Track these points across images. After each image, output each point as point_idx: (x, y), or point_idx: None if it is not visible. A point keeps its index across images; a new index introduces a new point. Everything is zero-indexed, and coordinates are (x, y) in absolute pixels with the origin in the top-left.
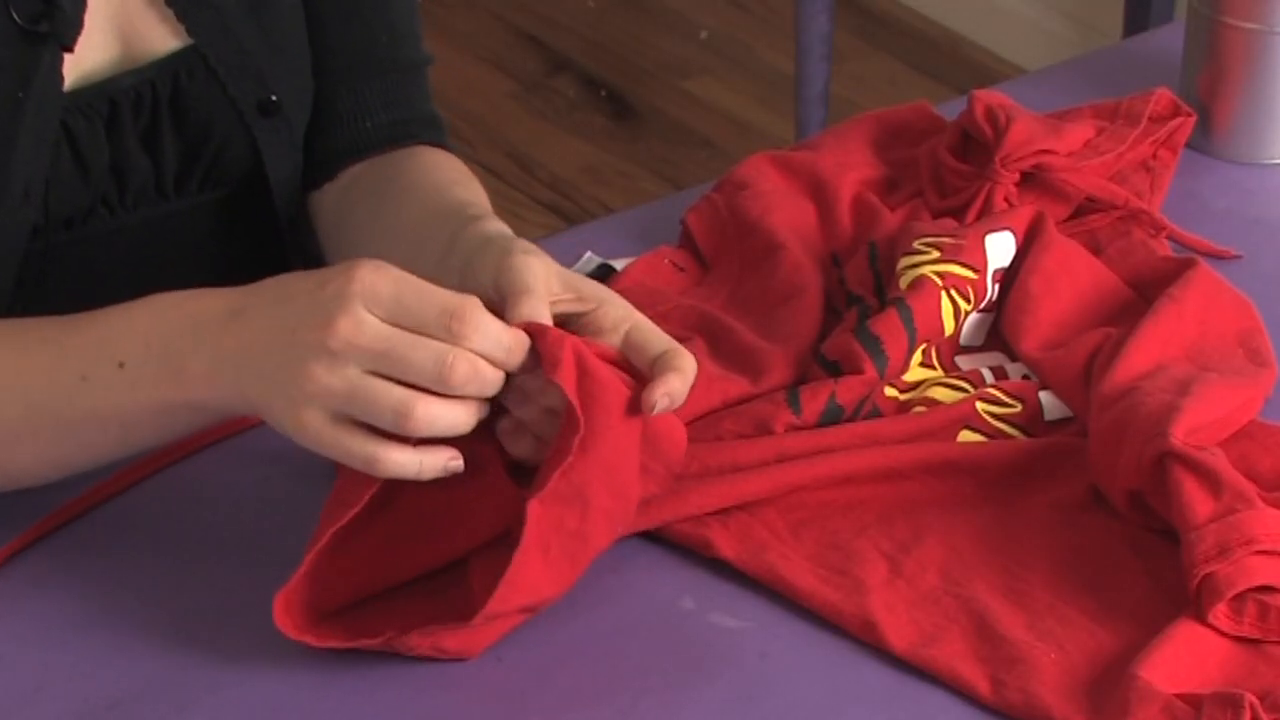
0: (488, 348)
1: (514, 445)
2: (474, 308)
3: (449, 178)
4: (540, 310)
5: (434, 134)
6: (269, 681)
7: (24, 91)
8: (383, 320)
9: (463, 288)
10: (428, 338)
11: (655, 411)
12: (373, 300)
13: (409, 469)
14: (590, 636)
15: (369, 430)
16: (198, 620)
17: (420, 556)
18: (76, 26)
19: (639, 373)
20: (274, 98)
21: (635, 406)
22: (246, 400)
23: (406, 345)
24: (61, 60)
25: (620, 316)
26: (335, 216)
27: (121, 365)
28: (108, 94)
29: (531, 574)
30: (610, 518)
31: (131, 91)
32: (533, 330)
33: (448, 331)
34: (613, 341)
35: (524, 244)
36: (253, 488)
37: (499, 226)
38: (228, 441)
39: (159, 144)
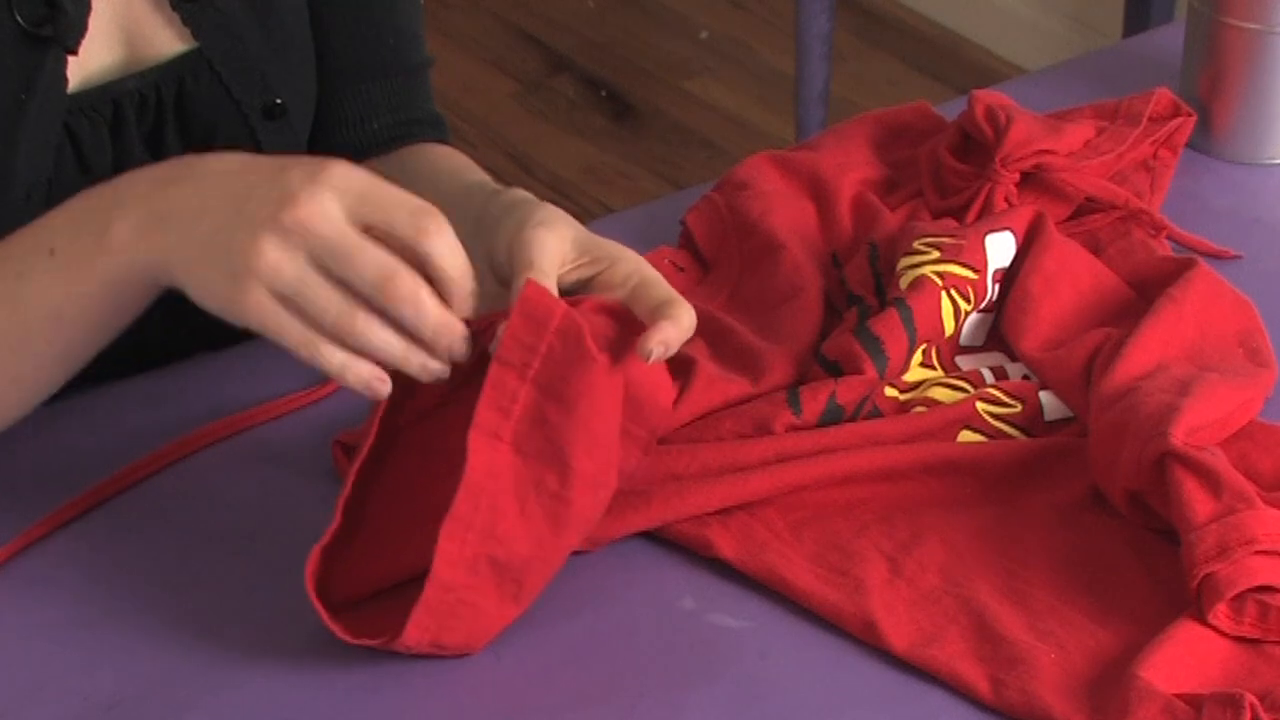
0: (446, 254)
1: None
2: (444, 217)
3: (462, 164)
4: (545, 284)
5: (438, 132)
6: (269, 681)
7: (27, 94)
8: (345, 216)
9: (488, 259)
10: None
11: (651, 360)
12: (342, 191)
13: (334, 365)
14: (590, 636)
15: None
16: (198, 620)
17: (422, 552)
18: (80, 29)
19: (640, 325)
20: (279, 101)
21: (619, 361)
22: (175, 262)
23: (358, 245)
24: (65, 63)
25: (629, 272)
26: None
27: (52, 252)
28: (111, 96)
29: (507, 523)
30: (594, 484)
31: (136, 94)
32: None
33: (415, 228)
34: (620, 296)
35: (541, 214)
36: (253, 488)
37: (520, 194)
38: (228, 441)
39: (163, 147)
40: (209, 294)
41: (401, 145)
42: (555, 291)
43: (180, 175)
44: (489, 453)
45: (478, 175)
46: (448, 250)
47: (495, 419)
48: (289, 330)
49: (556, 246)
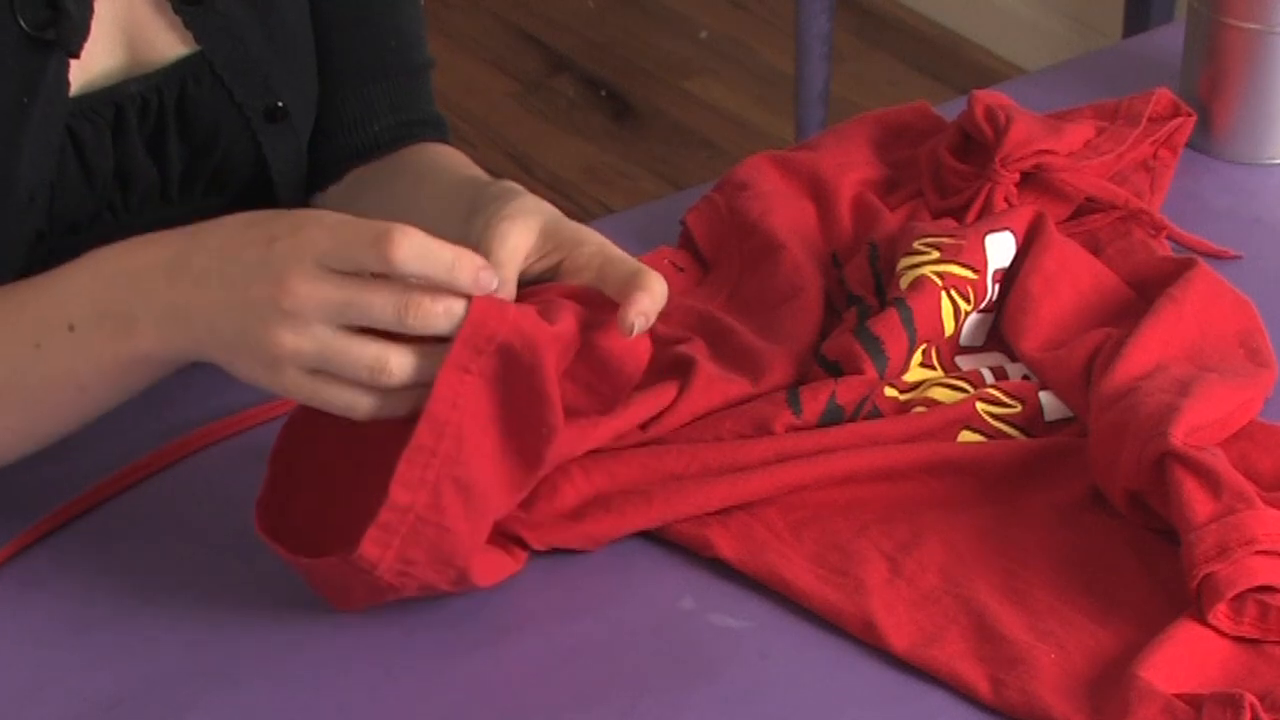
0: (424, 268)
1: None
2: (400, 231)
3: (460, 162)
4: (501, 278)
5: (439, 133)
6: (269, 681)
7: (29, 98)
8: (334, 271)
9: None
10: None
11: (634, 332)
12: (319, 254)
13: (388, 409)
14: (590, 636)
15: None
16: (198, 620)
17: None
18: (83, 33)
19: (610, 303)
20: (280, 104)
21: (586, 335)
22: (204, 353)
23: (364, 292)
24: (68, 67)
25: (592, 253)
26: (341, 206)
27: (71, 328)
28: (114, 100)
29: (469, 447)
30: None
31: (138, 98)
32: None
33: (379, 258)
34: (586, 279)
35: (512, 206)
36: (253, 488)
37: (506, 186)
38: (228, 441)
39: (165, 150)
40: (250, 380)
41: (402, 146)
42: (511, 284)
43: (184, 256)
44: (454, 385)
45: (474, 171)
46: (414, 257)
47: (468, 356)
48: (333, 400)
49: (519, 240)
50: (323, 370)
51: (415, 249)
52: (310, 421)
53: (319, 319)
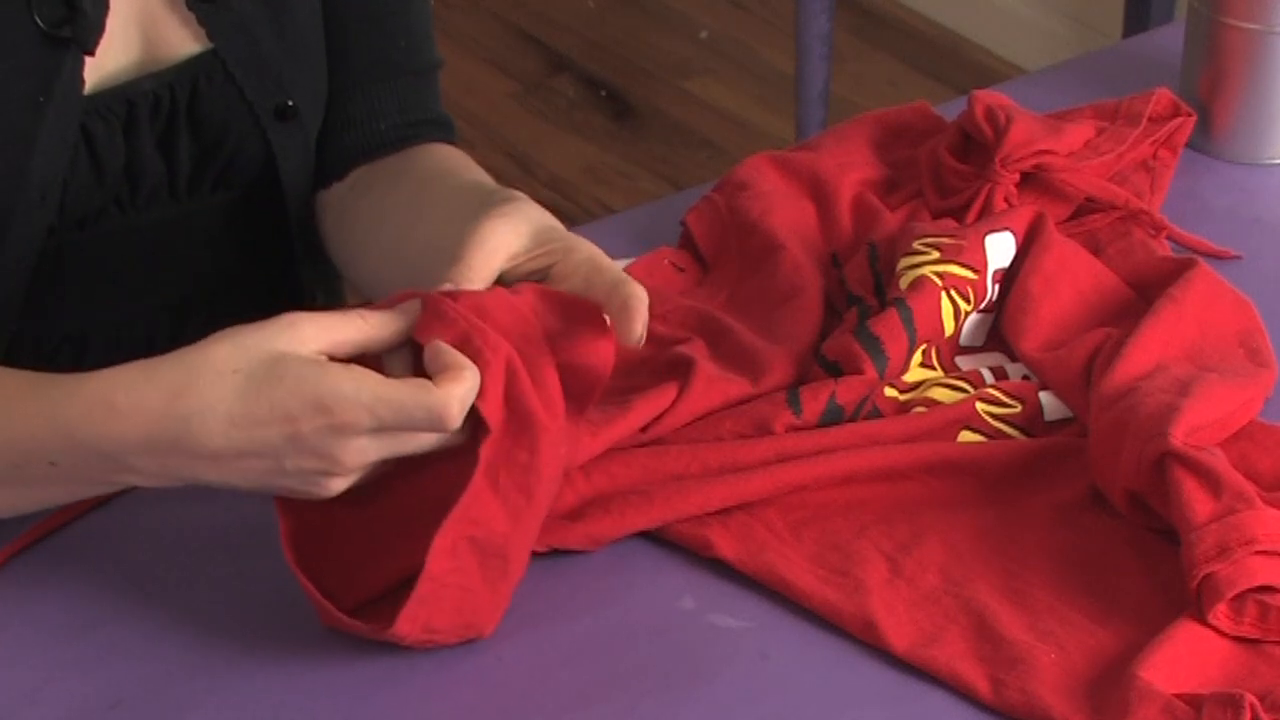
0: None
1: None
2: (451, 401)
3: (463, 165)
4: (468, 277)
5: (445, 133)
6: (269, 681)
7: (45, 95)
8: (372, 430)
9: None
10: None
11: (642, 341)
12: (362, 430)
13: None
14: (590, 636)
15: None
16: (198, 620)
17: (409, 549)
18: (98, 30)
19: (590, 311)
20: (291, 103)
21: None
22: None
23: (412, 441)
24: (83, 64)
25: (580, 260)
26: (340, 213)
27: (53, 464)
28: (126, 97)
29: (480, 504)
30: (556, 445)
31: (150, 95)
32: (426, 301)
33: (444, 432)
34: (574, 285)
35: (505, 206)
36: None
37: (508, 193)
38: None
39: (174, 147)
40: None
41: (408, 146)
42: (483, 280)
43: (179, 442)
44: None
45: (477, 175)
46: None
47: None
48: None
49: (500, 240)
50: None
51: (467, 403)
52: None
53: (374, 460)
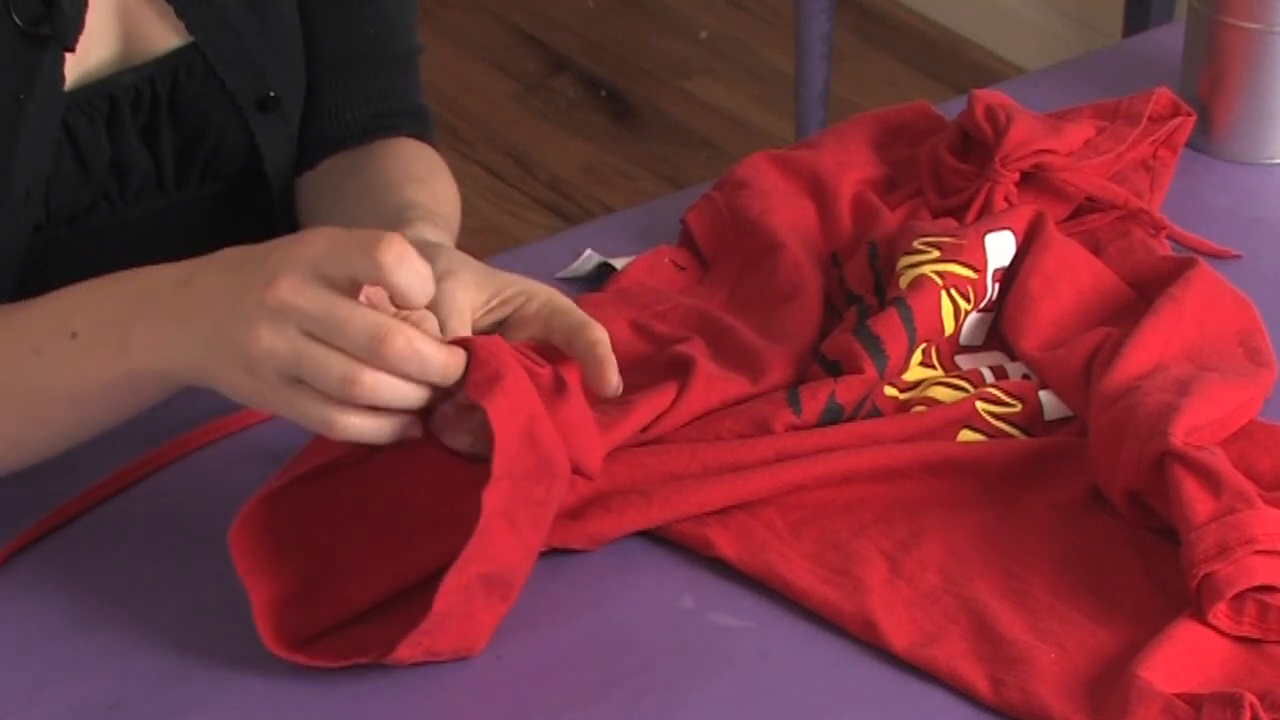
0: (414, 286)
1: (452, 439)
2: (391, 237)
3: (406, 174)
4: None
5: (416, 125)
6: (269, 681)
7: (25, 94)
8: (324, 280)
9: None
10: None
11: (619, 391)
12: (311, 258)
13: (367, 432)
14: (590, 636)
15: (325, 395)
16: (198, 620)
17: (401, 568)
18: (77, 27)
19: (559, 354)
20: (272, 93)
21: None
22: (196, 367)
23: (343, 313)
24: (63, 61)
25: (541, 304)
26: (312, 204)
27: (74, 336)
28: (108, 92)
29: (498, 546)
30: (565, 481)
31: (131, 89)
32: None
33: (374, 265)
34: (534, 331)
35: (445, 262)
36: (253, 488)
37: (421, 232)
38: (228, 441)
39: (158, 140)
40: (231, 391)
41: (377, 137)
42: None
43: (191, 274)
44: (501, 495)
45: (413, 191)
46: (413, 281)
47: (505, 464)
48: (307, 410)
49: (465, 296)
50: (299, 380)
51: (411, 267)
52: (282, 508)
53: (297, 323)
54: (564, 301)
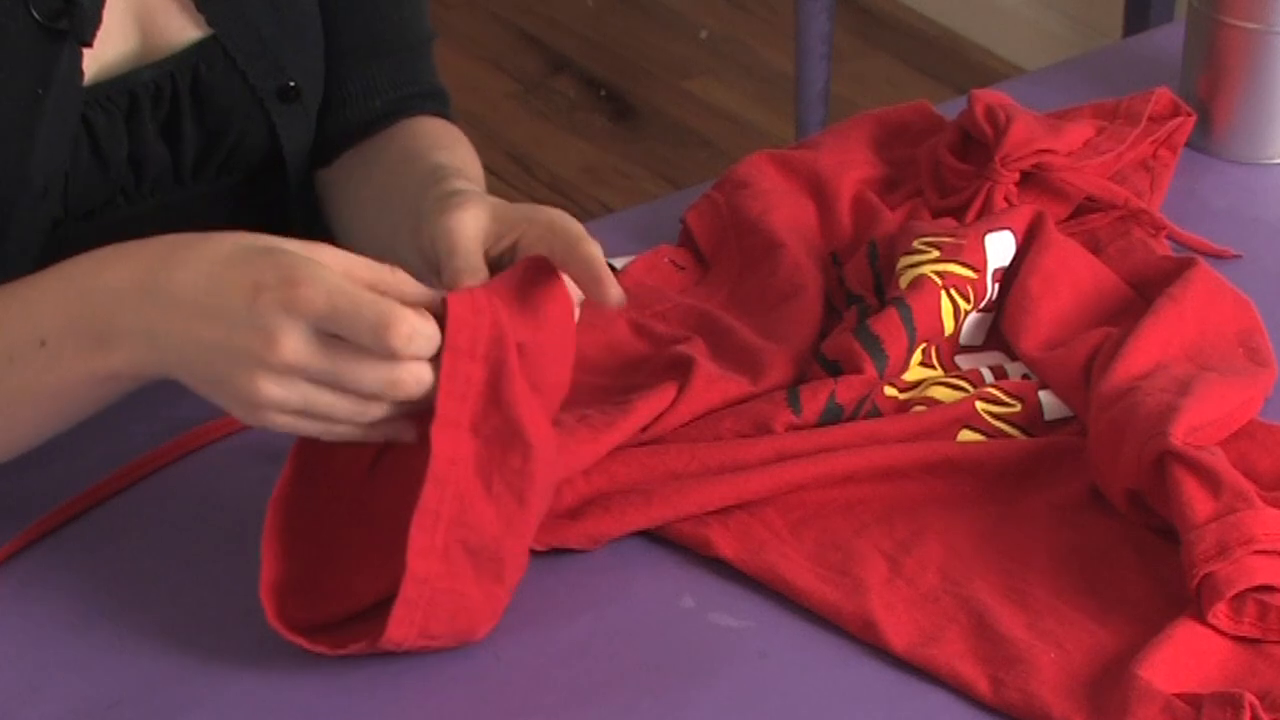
0: (421, 352)
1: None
2: (400, 318)
3: (432, 142)
4: (463, 275)
5: (436, 105)
6: (269, 681)
7: (44, 89)
8: (324, 337)
9: (422, 254)
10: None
11: (623, 302)
12: (312, 317)
13: (362, 438)
14: (590, 636)
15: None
16: (198, 620)
17: (400, 566)
18: (95, 22)
19: (541, 260)
20: (293, 84)
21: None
22: (174, 377)
23: (351, 367)
24: (81, 56)
25: (543, 228)
26: (336, 191)
27: (43, 343)
28: (128, 87)
29: (475, 511)
30: (548, 448)
31: (151, 84)
32: (451, 302)
33: (377, 344)
34: (542, 251)
35: (460, 197)
36: (253, 488)
37: (453, 185)
38: (227, 441)
39: (179, 134)
40: (229, 411)
41: (398, 119)
42: (482, 268)
43: (162, 278)
44: (451, 442)
45: (442, 155)
46: (424, 351)
47: (454, 407)
48: (312, 432)
49: (475, 227)
50: (303, 413)
51: (413, 335)
52: (302, 494)
53: (305, 378)
54: (562, 222)
